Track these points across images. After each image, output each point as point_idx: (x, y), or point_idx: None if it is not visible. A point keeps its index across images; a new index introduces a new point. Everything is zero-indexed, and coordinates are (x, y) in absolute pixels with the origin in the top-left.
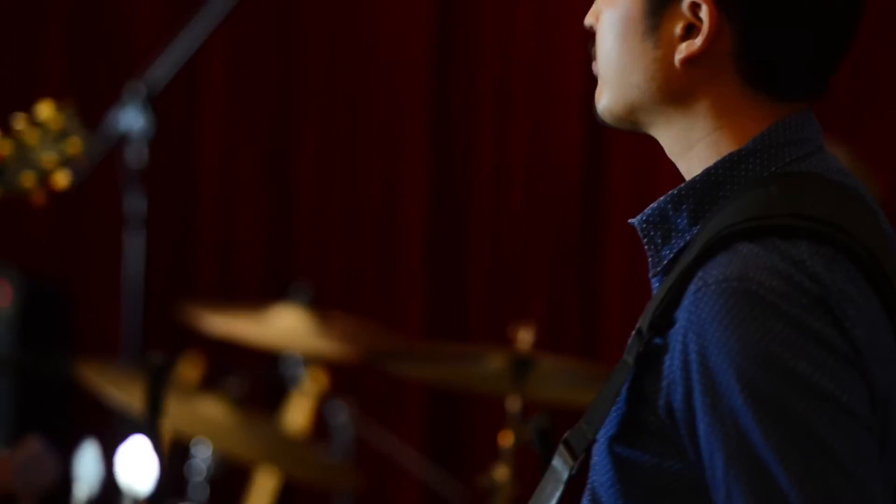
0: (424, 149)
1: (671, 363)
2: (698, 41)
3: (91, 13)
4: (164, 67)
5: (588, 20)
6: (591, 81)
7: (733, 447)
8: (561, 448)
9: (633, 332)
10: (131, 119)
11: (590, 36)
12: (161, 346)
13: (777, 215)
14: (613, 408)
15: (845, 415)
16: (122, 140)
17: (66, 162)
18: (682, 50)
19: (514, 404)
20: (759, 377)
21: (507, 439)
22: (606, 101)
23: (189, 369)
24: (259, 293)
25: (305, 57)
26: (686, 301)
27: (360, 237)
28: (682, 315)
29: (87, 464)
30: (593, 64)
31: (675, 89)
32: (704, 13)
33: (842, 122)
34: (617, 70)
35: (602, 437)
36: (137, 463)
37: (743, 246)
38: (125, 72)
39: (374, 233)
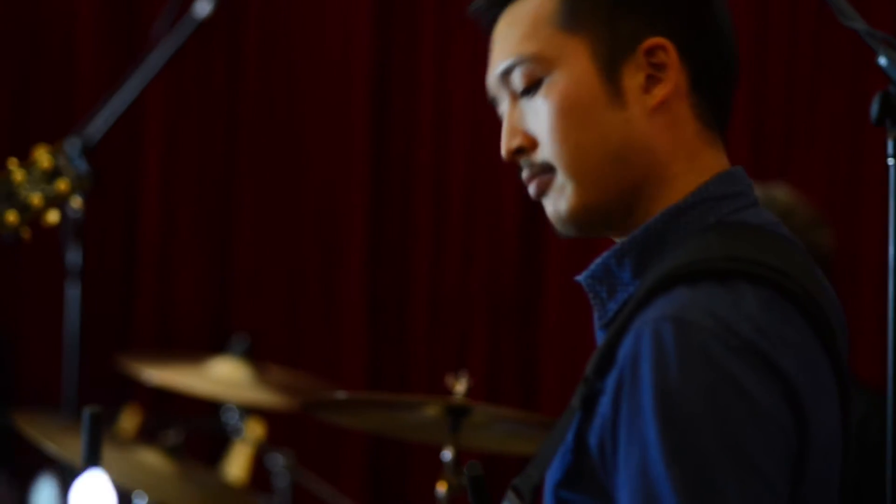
0: (363, 201)
1: (605, 400)
2: (667, 82)
3: (32, 66)
4: (103, 119)
5: (512, 143)
6: None
7: (638, 480)
8: (509, 493)
9: (581, 380)
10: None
11: (517, 159)
12: (101, 397)
13: (714, 259)
14: (559, 452)
15: (747, 465)
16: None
17: (54, 201)
18: (654, 97)
19: (448, 453)
20: (673, 414)
21: (443, 488)
22: (577, 198)
23: (127, 420)
24: (198, 345)
25: (244, 112)
26: (626, 341)
27: (299, 289)
28: (620, 354)
29: (44, 498)
30: (532, 185)
31: (648, 147)
32: (666, 53)
33: (775, 159)
34: (590, 154)
35: (549, 481)
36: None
37: (681, 289)
38: (65, 125)
39: (314, 285)
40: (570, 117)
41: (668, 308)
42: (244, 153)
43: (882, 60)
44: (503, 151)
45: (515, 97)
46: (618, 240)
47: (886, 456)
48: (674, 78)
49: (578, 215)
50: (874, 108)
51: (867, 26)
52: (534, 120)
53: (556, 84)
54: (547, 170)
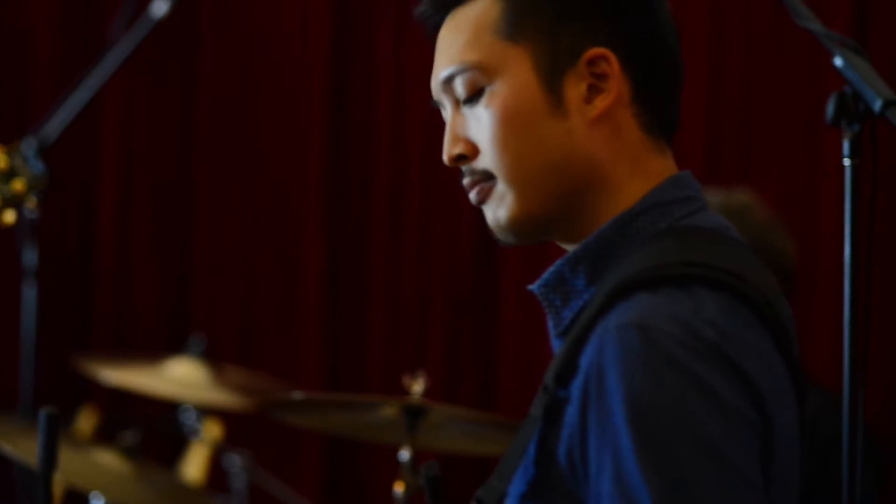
0: (321, 201)
1: (571, 410)
2: (609, 92)
3: None
4: (60, 119)
5: (454, 150)
6: None
7: (615, 484)
8: None
9: (540, 389)
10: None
11: (458, 165)
12: (57, 398)
13: (673, 265)
14: (522, 463)
15: (724, 464)
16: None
17: (10, 201)
18: (595, 107)
19: (405, 453)
20: (645, 421)
21: (400, 488)
22: (517, 207)
23: (84, 421)
24: (155, 345)
25: (201, 112)
26: (588, 348)
27: (257, 289)
28: (584, 362)
29: None
30: (473, 192)
31: (589, 156)
32: (608, 64)
33: (732, 162)
34: (530, 164)
35: (513, 493)
36: None
37: (642, 295)
38: (22, 125)
39: (271, 285)
40: (511, 127)
41: (631, 315)
42: (201, 153)
43: (838, 61)
44: (445, 157)
45: (458, 104)
46: (565, 246)
47: (842, 453)
48: (615, 88)
49: (517, 224)
50: (829, 109)
51: (823, 27)
52: (476, 127)
53: (497, 93)
54: (487, 177)
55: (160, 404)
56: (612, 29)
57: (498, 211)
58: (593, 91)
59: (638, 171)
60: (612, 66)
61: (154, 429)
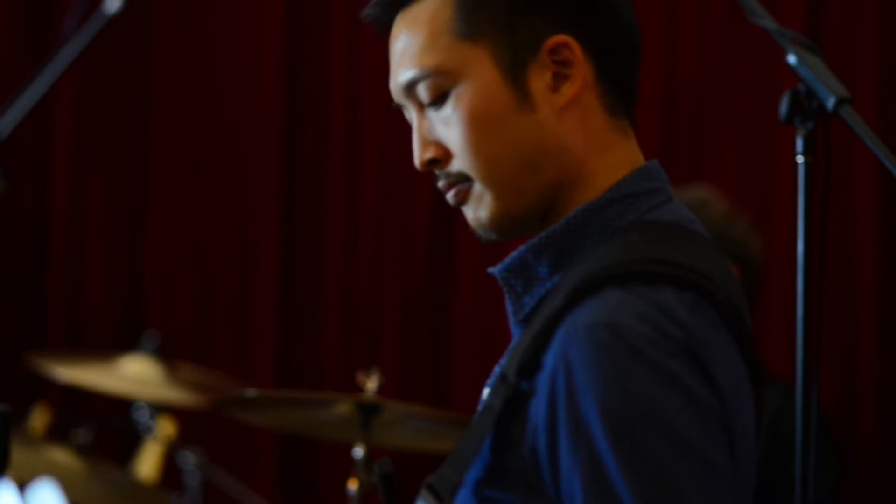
0: (275, 198)
1: (537, 406)
2: (575, 79)
3: None
4: (12, 116)
5: (425, 155)
6: None
7: (592, 485)
8: (424, 492)
9: (497, 378)
10: None
11: (431, 169)
12: (10, 395)
13: (641, 262)
14: (479, 451)
15: (700, 460)
16: None
17: None
18: (563, 95)
19: (359, 450)
20: (621, 420)
21: (354, 485)
22: (497, 206)
23: (37, 419)
24: (108, 342)
25: (155, 109)
26: (555, 345)
27: (211, 286)
28: (550, 359)
29: None
30: (450, 194)
31: (561, 146)
32: (570, 50)
33: (685, 158)
34: (505, 163)
35: (468, 480)
36: None
37: (610, 291)
38: None
39: (225, 282)
40: (481, 128)
41: (601, 313)
42: (155, 150)
43: (791, 58)
44: (416, 163)
45: (422, 107)
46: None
47: (796, 446)
48: (581, 73)
49: (500, 222)
50: (783, 107)
51: (777, 24)
52: (444, 130)
53: (463, 96)
54: (463, 179)
55: (113, 402)
56: (568, 14)
57: (478, 211)
58: (558, 79)
59: (607, 159)
60: (575, 51)
61: (107, 426)
